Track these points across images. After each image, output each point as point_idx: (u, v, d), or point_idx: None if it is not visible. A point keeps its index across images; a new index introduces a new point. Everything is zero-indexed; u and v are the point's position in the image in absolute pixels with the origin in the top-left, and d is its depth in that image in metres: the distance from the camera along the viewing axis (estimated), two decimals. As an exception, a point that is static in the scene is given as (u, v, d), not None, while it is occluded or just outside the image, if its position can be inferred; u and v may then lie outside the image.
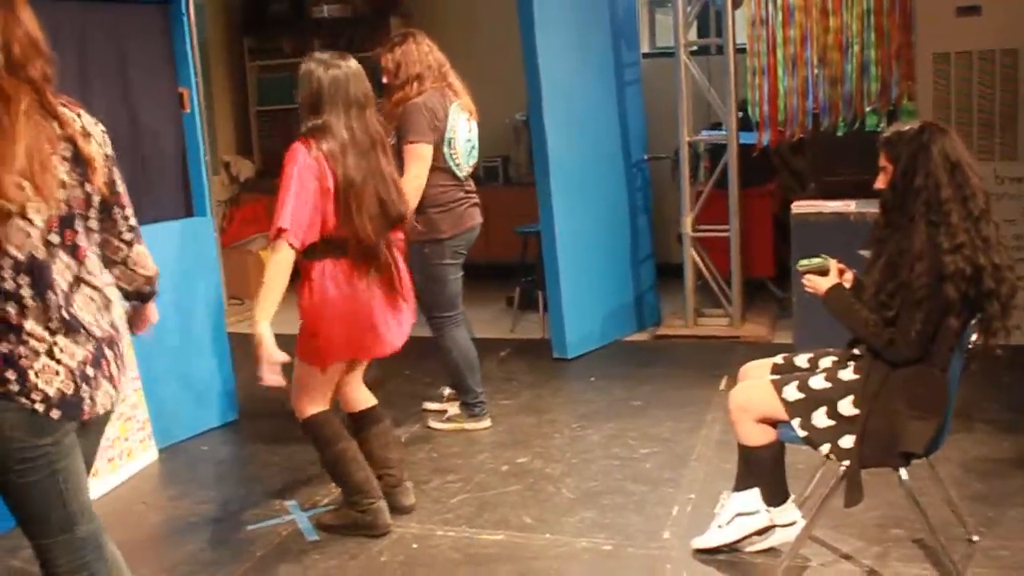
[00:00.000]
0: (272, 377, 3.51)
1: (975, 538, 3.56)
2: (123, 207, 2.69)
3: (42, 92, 2.48)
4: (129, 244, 2.72)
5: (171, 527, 4.17)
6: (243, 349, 5.92)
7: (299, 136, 3.67)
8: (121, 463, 4.59)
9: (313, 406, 3.87)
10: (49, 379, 2.45)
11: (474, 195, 4.88)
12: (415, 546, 3.81)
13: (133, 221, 2.72)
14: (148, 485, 4.58)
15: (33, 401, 2.43)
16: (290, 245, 3.54)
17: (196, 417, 5.12)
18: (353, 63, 3.78)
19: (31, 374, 2.43)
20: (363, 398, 4.09)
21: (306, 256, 3.65)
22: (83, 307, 2.52)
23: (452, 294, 4.84)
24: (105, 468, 4.44)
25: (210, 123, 7.80)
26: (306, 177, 3.56)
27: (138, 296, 2.84)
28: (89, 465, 2.75)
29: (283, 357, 3.50)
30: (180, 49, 5.18)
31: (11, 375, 2.42)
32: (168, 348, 4.96)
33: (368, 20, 8.30)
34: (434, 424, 5.03)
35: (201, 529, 4.09)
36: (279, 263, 3.55)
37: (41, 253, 2.42)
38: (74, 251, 2.52)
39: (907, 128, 3.32)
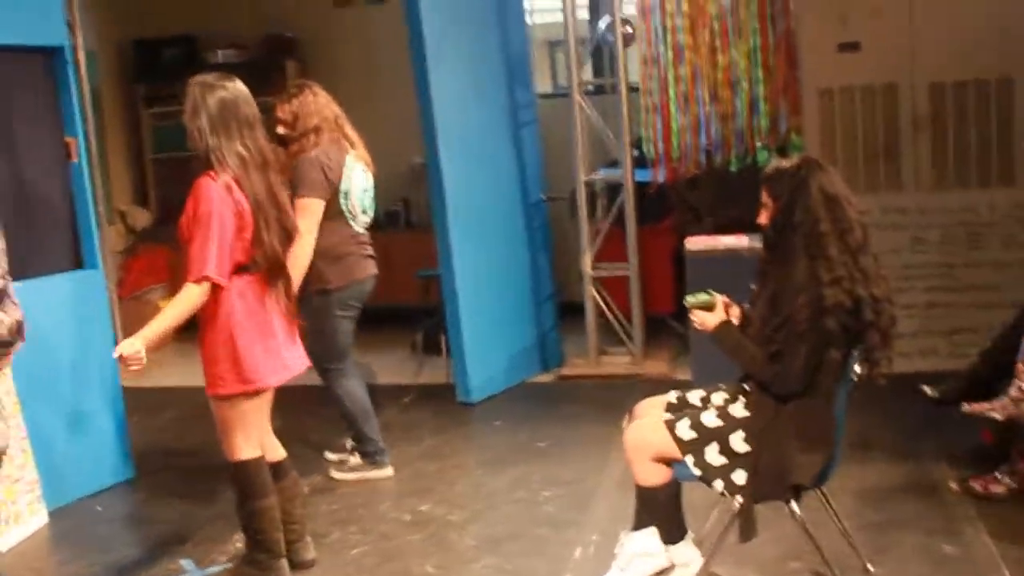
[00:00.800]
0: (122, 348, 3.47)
1: (871, 568, 3.61)
2: None
3: None
4: None
5: (60, 594, 4.04)
6: (139, 403, 5.83)
7: (201, 171, 3.61)
8: (8, 528, 4.42)
9: (244, 449, 3.74)
10: None
11: (368, 247, 4.85)
12: (314, 601, 3.74)
13: (1, 284, 2.64)
14: (37, 551, 4.42)
15: None
16: (204, 291, 3.52)
17: (89, 476, 4.96)
18: (238, 83, 3.74)
19: None
20: (272, 449, 3.99)
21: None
22: None
23: (341, 345, 4.79)
24: (-9, 534, 4.28)
25: (104, 172, 7.64)
26: (224, 214, 3.53)
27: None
28: None
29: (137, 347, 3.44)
30: (66, 98, 5.07)
31: None
32: (59, 404, 4.82)
33: (263, 65, 8.20)
34: (336, 474, 4.96)
35: (92, 594, 3.96)
36: (189, 299, 3.53)
37: None
38: None
39: (787, 165, 3.39)
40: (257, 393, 3.73)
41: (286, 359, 3.78)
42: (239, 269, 3.63)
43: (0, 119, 4.75)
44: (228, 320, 3.62)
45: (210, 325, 3.65)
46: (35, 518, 4.60)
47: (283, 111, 4.72)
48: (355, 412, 4.85)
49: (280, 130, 4.73)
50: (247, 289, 3.65)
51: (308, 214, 4.52)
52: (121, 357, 3.46)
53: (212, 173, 3.58)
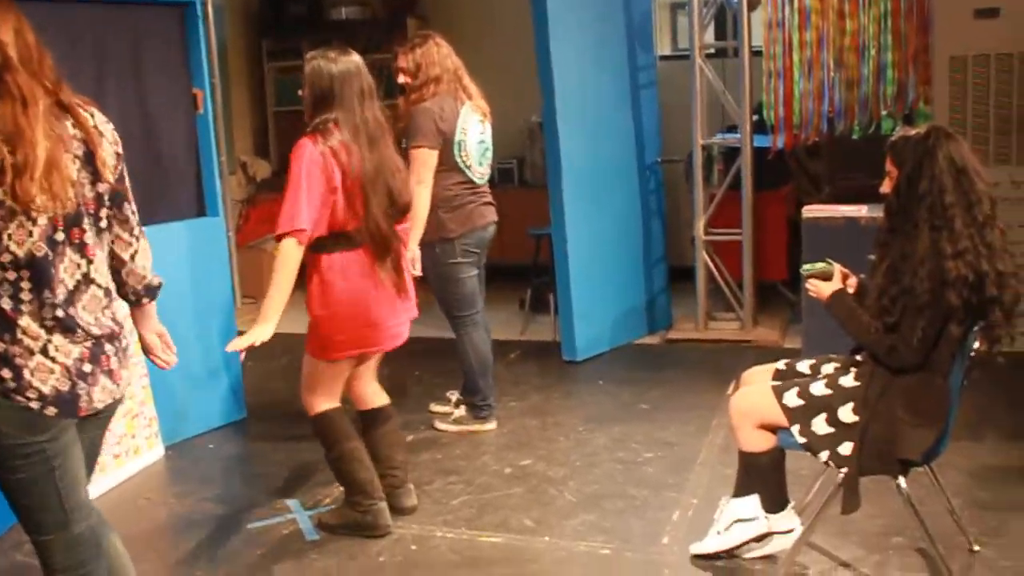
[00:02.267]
0: (236, 346, 3.53)
1: (976, 548, 3.52)
2: (131, 203, 2.70)
3: (56, 91, 2.49)
4: (137, 239, 2.71)
5: (173, 524, 4.20)
6: (254, 348, 5.97)
7: (305, 132, 3.67)
8: (127, 459, 4.61)
9: (323, 402, 3.86)
10: (44, 377, 2.47)
11: (487, 195, 4.88)
12: (414, 547, 3.81)
13: (137, 218, 2.73)
14: (153, 482, 4.60)
15: (28, 399, 2.46)
16: (299, 243, 3.55)
17: (204, 415, 5.14)
18: (356, 57, 3.77)
19: (26, 372, 2.45)
20: (375, 396, 4.08)
21: (314, 250, 3.65)
22: (87, 306, 2.54)
23: (467, 293, 4.83)
24: (111, 464, 4.47)
25: (227, 124, 7.85)
26: (313, 173, 3.55)
27: (145, 293, 2.81)
28: (93, 460, 2.77)
29: (244, 344, 3.49)
30: (195, 51, 5.19)
31: (7, 373, 2.44)
32: (178, 345, 4.94)
33: (385, 22, 8.32)
34: (440, 426, 5.03)
35: (203, 526, 4.10)
36: (287, 258, 3.55)
37: (41, 251, 2.43)
38: (82, 249, 2.54)
39: (914, 133, 3.28)
40: (345, 359, 3.80)
41: (389, 330, 3.81)
42: (340, 244, 3.65)
43: (133, 70, 4.89)
44: (328, 295, 3.67)
45: (312, 296, 3.71)
46: (152, 452, 4.79)
47: (406, 60, 4.75)
48: (475, 364, 4.90)
49: (401, 79, 4.77)
50: (350, 264, 3.67)
51: (420, 164, 4.56)
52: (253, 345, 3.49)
53: (312, 136, 3.61)
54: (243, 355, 3.58)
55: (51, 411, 2.48)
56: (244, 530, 4.03)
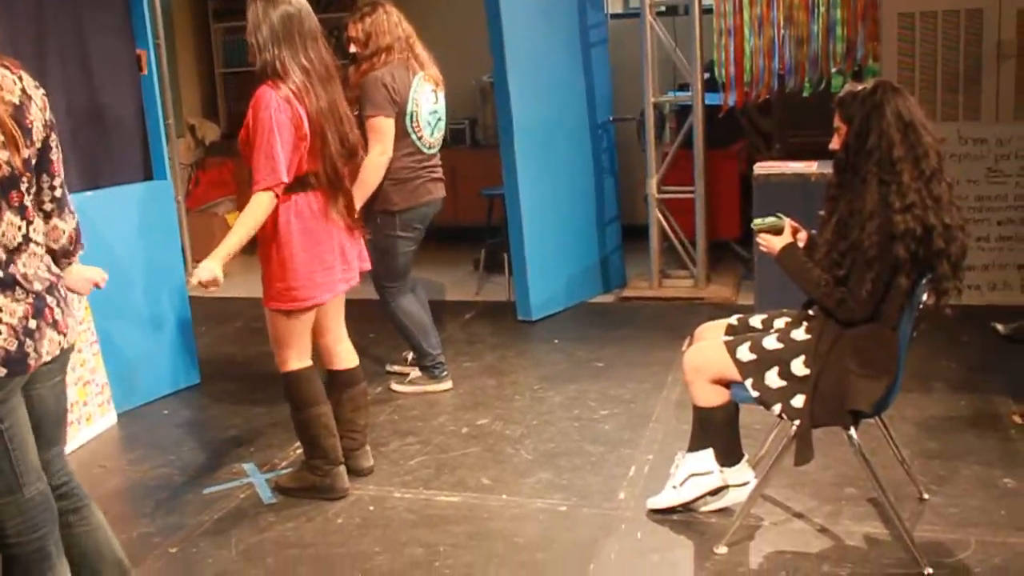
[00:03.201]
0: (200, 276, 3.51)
1: (926, 496, 3.59)
2: (52, 175, 2.64)
3: None
4: (48, 215, 2.66)
5: (129, 490, 4.17)
6: (205, 312, 5.94)
7: (262, 80, 3.61)
8: (80, 427, 4.56)
9: (295, 359, 3.81)
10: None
11: (437, 169, 4.83)
12: (371, 508, 3.81)
13: (59, 192, 2.67)
14: (107, 449, 4.56)
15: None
16: (275, 196, 3.54)
17: (156, 381, 5.10)
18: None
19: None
20: (345, 355, 4.03)
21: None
22: (26, 263, 2.51)
23: (401, 266, 4.82)
24: (63, 433, 4.42)
25: (174, 86, 7.72)
26: (282, 121, 3.52)
27: (63, 255, 2.77)
28: (62, 415, 2.76)
29: (209, 276, 3.49)
30: (138, 11, 5.10)
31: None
32: (128, 312, 4.94)
33: (335, -20, 8.21)
34: (396, 387, 5.03)
35: (159, 492, 4.08)
36: (261, 209, 3.54)
37: None
38: (22, 212, 2.50)
39: (861, 88, 3.30)
40: (310, 309, 3.77)
41: (344, 274, 3.82)
42: (297, 186, 3.63)
43: (74, 31, 4.79)
44: (285, 238, 3.65)
45: (268, 242, 3.68)
46: (104, 418, 4.74)
47: (355, 30, 4.69)
48: (411, 327, 4.89)
49: (352, 49, 4.72)
50: (305, 206, 3.66)
51: (378, 132, 4.53)
52: (200, 283, 3.50)
53: (271, 83, 3.58)
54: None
55: (1, 372, 2.45)
56: (200, 495, 4.01)
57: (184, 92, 8.41)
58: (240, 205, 7.79)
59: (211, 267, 3.49)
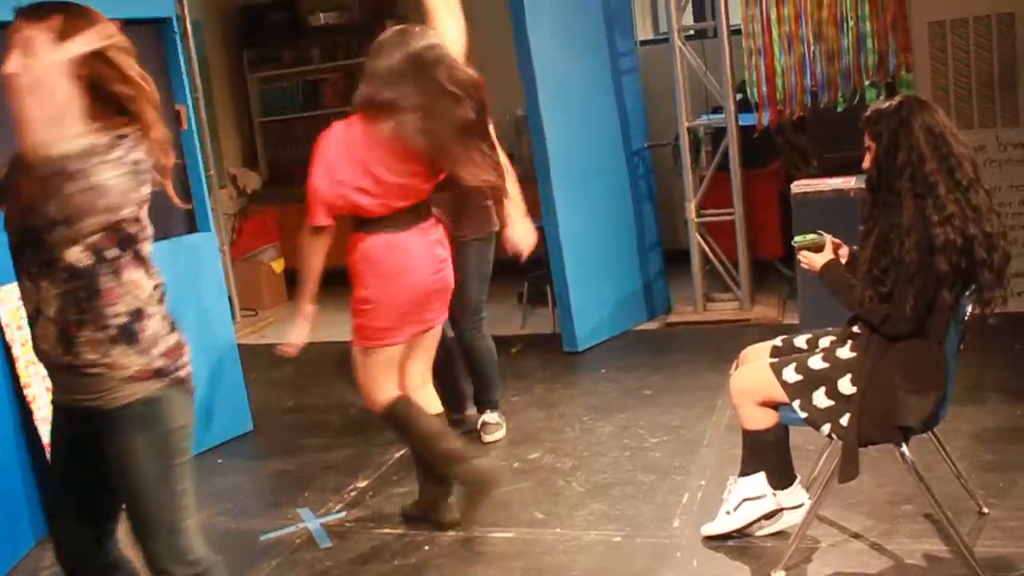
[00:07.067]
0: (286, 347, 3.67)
1: (985, 510, 3.54)
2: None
3: None
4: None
5: (187, 541, 4.21)
6: (255, 360, 6.01)
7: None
8: (137, 480, 4.62)
9: (384, 394, 3.76)
10: (184, 360, 2.55)
11: None
12: (427, 548, 3.82)
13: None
14: (164, 501, 4.61)
15: (191, 384, 2.56)
16: (314, 230, 3.57)
17: (209, 430, 5.16)
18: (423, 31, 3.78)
19: (183, 357, 2.55)
20: (426, 403, 3.91)
21: (360, 228, 3.63)
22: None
23: (486, 292, 4.74)
24: (121, 486, 4.47)
25: (214, 137, 7.85)
26: (330, 143, 3.57)
27: None
28: None
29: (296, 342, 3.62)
30: (175, 66, 5.20)
31: (183, 360, 2.51)
32: (179, 364, 4.99)
33: (365, 26, 8.28)
34: (488, 439, 4.79)
35: (216, 541, 4.05)
36: (304, 249, 3.63)
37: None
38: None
39: (886, 105, 3.28)
40: (393, 345, 3.73)
41: (428, 314, 3.75)
42: (380, 224, 3.58)
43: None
44: (368, 278, 3.62)
45: (354, 279, 3.67)
46: (161, 471, 4.79)
47: None
48: (495, 365, 4.80)
49: None
50: (393, 244, 3.61)
51: None
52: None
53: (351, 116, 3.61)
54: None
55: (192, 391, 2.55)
56: (257, 542, 4.05)
57: (224, 143, 8.55)
58: (283, 251, 7.88)
59: (302, 334, 3.69)
